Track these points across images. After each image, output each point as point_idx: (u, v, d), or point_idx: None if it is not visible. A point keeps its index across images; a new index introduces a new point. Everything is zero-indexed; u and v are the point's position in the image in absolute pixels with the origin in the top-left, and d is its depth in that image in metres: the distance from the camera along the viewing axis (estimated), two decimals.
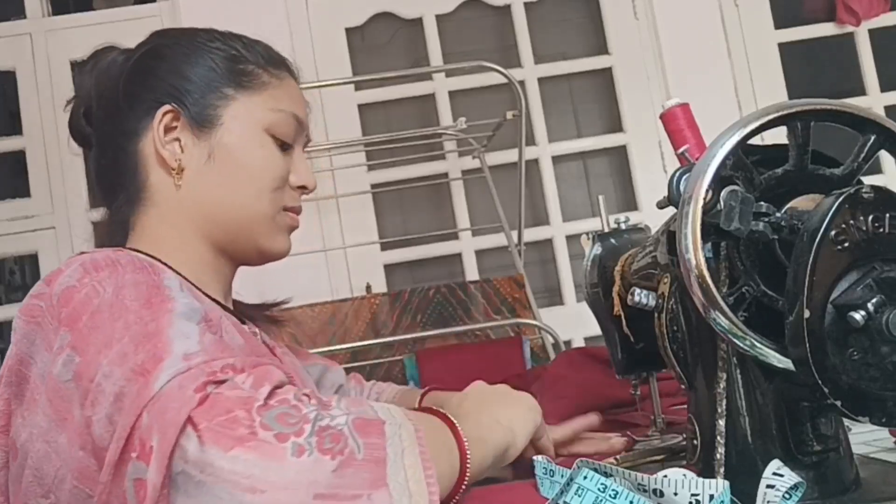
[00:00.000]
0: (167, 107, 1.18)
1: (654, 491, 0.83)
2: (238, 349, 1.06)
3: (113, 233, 1.22)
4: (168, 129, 1.18)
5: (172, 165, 1.17)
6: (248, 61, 1.22)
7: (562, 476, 0.92)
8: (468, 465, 0.95)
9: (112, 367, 0.88)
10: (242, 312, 1.30)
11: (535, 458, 0.99)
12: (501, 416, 1.07)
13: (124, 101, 1.19)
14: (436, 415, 0.99)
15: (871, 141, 0.91)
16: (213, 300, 1.18)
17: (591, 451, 1.25)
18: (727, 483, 0.83)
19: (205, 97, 1.19)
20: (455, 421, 0.98)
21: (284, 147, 1.22)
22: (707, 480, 0.82)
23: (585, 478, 0.85)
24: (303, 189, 1.25)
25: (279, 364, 0.95)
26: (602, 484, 0.84)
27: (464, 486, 0.94)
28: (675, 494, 0.82)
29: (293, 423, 0.81)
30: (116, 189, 1.21)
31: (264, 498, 0.77)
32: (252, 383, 0.84)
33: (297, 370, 1.28)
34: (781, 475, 0.84)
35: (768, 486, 0.84)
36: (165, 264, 1.13)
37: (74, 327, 0.94)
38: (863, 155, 0.92)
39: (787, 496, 0.83)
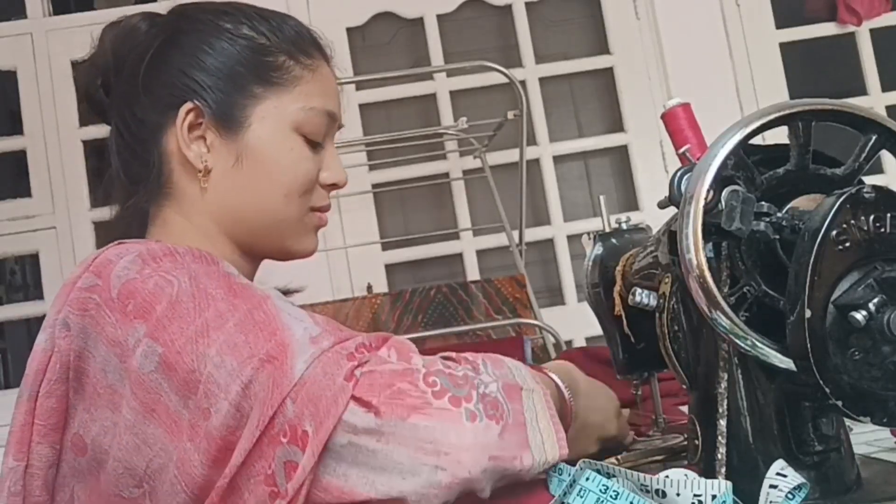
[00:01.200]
0: (190, 104, 1.11)
1: (657, 491, 0.83)
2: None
3: (130, 224, 1.17)
4: (192, 127, 1.11)
5: (198, 167, 1.11)
6: (278, 52, 1.14)
7: (568, 475, 0.92)
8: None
9: (222, 356, 0.89)
10: None
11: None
12: (601, 409, 1.18)
13: (145, 93, 1.12)
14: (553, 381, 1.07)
15: (873, 141, 0.91)
16: None
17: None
18: (730, 484, 0.83)
19: (231, 95, 1.12)
20: (568, 394, 1.08)
21: (315, 145, 1.16)
22: (709, 481, 0.82)
23: (587, 479, 0.85)
24: (333, 186, 1.19)
25: None
26: (604, 485, 0.84)
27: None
28: (678, 495, 0.82)
29: (461, 386, 0.89)
30: (136, 178, 1.15)
31: (448, 459, 0.85)
32: (397, 356, 0.91)
33: None
34: (785, 475, 0.84)
35: (771, 486, 0.84)
36: None
37: (149, 318, 0.92)
38: (864, 155, 0.92)
39: (790, 496, 0.83)
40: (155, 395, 0.91)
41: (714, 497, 0.81)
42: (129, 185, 1.16)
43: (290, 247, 1.19)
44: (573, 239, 3.41)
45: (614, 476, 0.87)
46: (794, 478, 0.84)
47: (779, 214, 0.87)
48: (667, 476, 0.84)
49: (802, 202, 0.89)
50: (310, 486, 0.86)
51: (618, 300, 1.26)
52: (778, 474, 0.85)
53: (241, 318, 0.91)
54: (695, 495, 0.81)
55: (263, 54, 1.13)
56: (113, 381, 0.94)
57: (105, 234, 1.21)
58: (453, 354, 0.96)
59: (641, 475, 0.85)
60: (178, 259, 0.97)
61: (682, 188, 0.92)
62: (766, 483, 0.84)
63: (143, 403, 0.92)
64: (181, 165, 1.13)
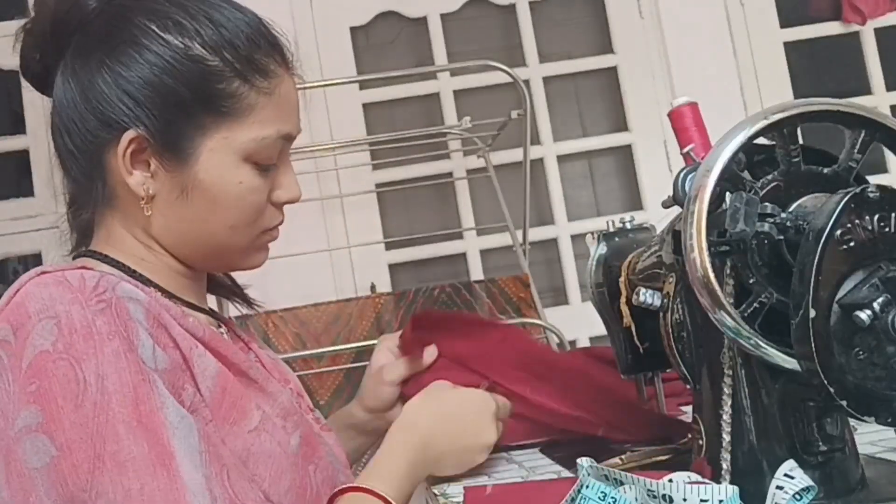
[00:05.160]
0: (132, 133, 1.03)
1: (664, 496, 0.83)
2: (213, 384, 1.01)
3: (79, 222, 1.16)
4: (135, 153, 1.04)
5: (141, 195, 1.05)
6: (232, 77, 1.05)
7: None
8: None
9: (116, 495, 0.86)
10: (216, 292, 1.28)
11: (579, 461, 0.97)
12: (442, 459, 1.17)
13: (88, 109, 1.05)
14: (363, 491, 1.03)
15: (877, 139, 0.91)
16: (187, 303, 1.12)
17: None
18: (736, 489, 0.83)
19: (177, 126, 1.04)
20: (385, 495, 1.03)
21: (267, 168, 1.10)
22: (716, 486, 0.82)
23: (588, 487, 0.85)
24: (288, 202, 1.14)
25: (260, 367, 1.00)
26: (602, 492, 0.84)
27: None
28: (685, 500, 0.82)
29: None
30: (77, 180, 1.11)
31: None
32: None
33: (276, 364, 1.25)
34: (792, 477, 0.84)
35: (778, 487, 0.84)
36: (134, 271, 1.08)
37: (48, 409, 0.88)
38: (856, 151, 0.92)
39: (797, 497, 0.83)
40: (26, 493, 0.88)
41: (721, 502, 0.81)
42: (72, 188, 1.13)
43: (236, 265, 1.18)
44: (577, 238, 3.41)
45: (623, 483, 0.87)
46: (802, 480, 0.84)
47: (783, 215, 0.87)
48: (670, 480, 0.84)
49: (807, 202, 0.89)
50: None
51: (622, 300, 1.25)
52: (786, 475, 0.85)
53: (141, 461, 0.87)
54: (701, 500, 0.81)
55: (215, 81, 1.05)
56: None
57: (71, 220, 1.17)
58: None
59: (648, 480, 0.85)
60: (93, 338, 0.91)
61: (687, 188, 0.92)
62: (772, 483, 0.84)
63: (12, 495, 0.88)
64: (123, 184, 1.06)
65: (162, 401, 0.92)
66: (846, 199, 0.79)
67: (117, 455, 0.87)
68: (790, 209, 0.89)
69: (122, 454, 0.87)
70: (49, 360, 0.89)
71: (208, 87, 1.05)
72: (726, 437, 0.92)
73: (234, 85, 1.06)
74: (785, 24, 3.53)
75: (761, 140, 0.89)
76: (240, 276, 1.30)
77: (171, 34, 1.05)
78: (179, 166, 1.05)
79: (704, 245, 0.86)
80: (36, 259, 3.36)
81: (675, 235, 0.97)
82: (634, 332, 1.26)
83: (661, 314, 1.04)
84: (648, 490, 0.84)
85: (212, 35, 1.06)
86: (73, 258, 1.16)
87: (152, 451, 0.88)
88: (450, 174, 3.39)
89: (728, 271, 0.89)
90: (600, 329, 1.39)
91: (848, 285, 0.78)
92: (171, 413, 0.92)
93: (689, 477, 0.87)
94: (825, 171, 0.91)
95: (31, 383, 0.89)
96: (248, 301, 1.32)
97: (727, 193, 0.87)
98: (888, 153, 0.91)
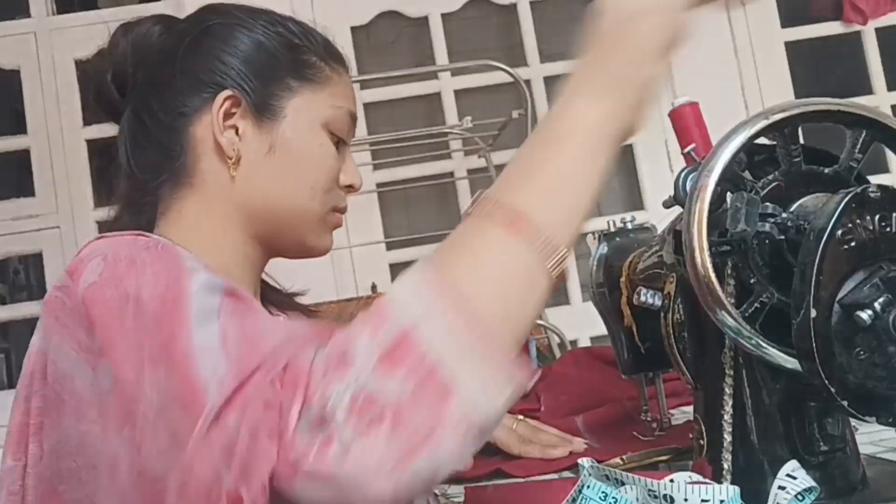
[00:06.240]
0: (228, 92, 1.11)
1: (665, 496, 0.83)
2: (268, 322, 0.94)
3: (140, 211, 1.16)
4: (227, 115, 1.12)
5: (230, 154, 1.11)
6: (311, 52, 1.17)
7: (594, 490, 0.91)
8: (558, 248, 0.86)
9: (152, 390, 0.85)
10: (270, 301, 1.27)
11: (580, 461, 0.97)
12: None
13: (181, 78, 1.13)
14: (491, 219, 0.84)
15: (878, 139, 0.91)
16: None
17: (536, 455, 1.31)
18: (737, 489, 0.83)
19: (268, 86, 1.13)
20: (525, 213, 0.83)
21: (338, 145, 1.17)
22: (717, 486, 0.82)
23: (589, 487, 0.85)
24: (349, 188, 1.21)
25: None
26: (603, 492, 0.84)
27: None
28: (686, 500, 0.82)
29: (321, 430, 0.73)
30: (156, 167, 1.14)
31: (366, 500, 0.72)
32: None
33: None
34: (795, 477, 0.84)
35: (780, 488, 0.84)
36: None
37: (103, 333, 0.89)
38: (857, 151, 0.92)
39: (799, 498, 0.83)
40: (108, 417, 0.89)
41: (722, 502, 0.81)
42: (141, 175, 1.15)
43: (308, 241, 1.19)
44: (578, 238, 3.40)
45: (625, 483, 0.87)
46: (804, 480, 0.84)
47: (784, 215, 0.87)
48: (671, 480, 0.84)
49: (808, 202, 0.89)
50: None
51: (623, 300, 1.26)
52: (788, 476, 0.85)
53: (158, 343, 0.86)
54: (703, 500, 0.81)
55: (298, 52, 1.16)
56: (80, 388, 0.91)
57: (109, 230, 1.18)
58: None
59: (649, 480, 0.85)
60: (136, 265, 0.92)
61: (688, 187, 0.92)
62: (775, 484, 0.84)
63: (101, 421, 0.89)
64: (209, 153, 1.12)
65: (191, 274, 0.90)
66: (847, 198, 0.79)
67: (152, 355, 0.87)
68: (791, 209, 0.89)
69: (156, 353, 0.87)
70: (97, 288, 0.92)
71: (293, 55, 1.15)
72: (727, 438, 0.92)
73: (312, 58, 1.16)
74: (786, 23, 3.53)
75: (762, 140, 0.90)
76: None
77: (256, 17, 1.17)
78: (268, 124, 1.13)
79: (705, 245, 0.86)
80: (36, 259, 3.37)
81: (676, 235, 0.97)
82: (635, 332, 1.26)
83: (662, 314, 1.04)
84: (649, 490, 0.84)
85: (292, 24, 1.18)
86: None
87: (170, 341, 0.86)
88: (451, 174, 3.39)
89: (729, 271, 0.89)
90: (601, 329, 1.39)
91: (849, 285, 0.78)
92: (195, 308, 0.89)
93: (690, 477, 0.87)
94: (826, 170, 0.91)
95: (89, 314, 0.91)
96: (306, 310, 1.32)
97: (728, 193, 0.87)
98: (889, 153, 0.91)
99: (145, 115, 1.15)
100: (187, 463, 0.80)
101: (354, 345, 0.75)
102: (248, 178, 1.12)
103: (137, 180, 1.16)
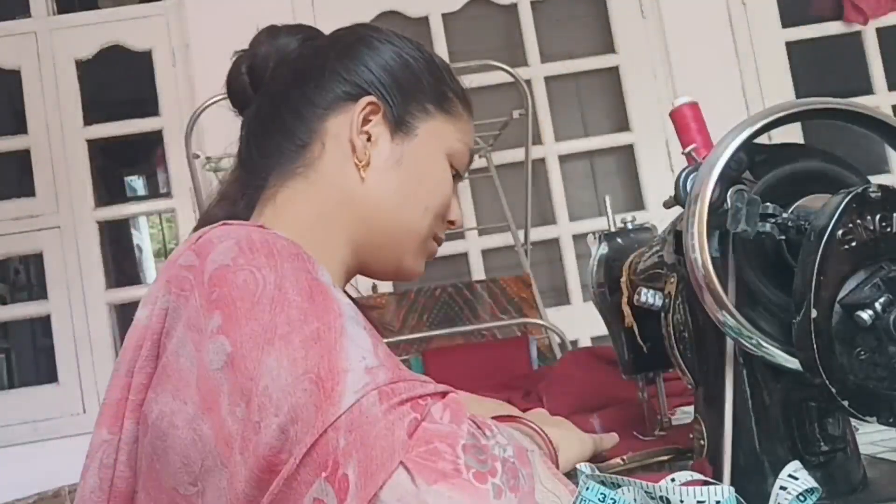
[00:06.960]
0: (372, 98, 1.16)
1: (661, 498, 0.83)
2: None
3: (243, 194, 1.19)
4: (365, 120, 1.15)
5: (360, 157, 1.14)
6: (449, 87, 1.23)
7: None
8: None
9: (280, 370, 0.86)
10: None
11: (579, 466, 0.98)
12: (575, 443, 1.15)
13: (329, 75, 1.17)
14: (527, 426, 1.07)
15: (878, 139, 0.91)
16: None
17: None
18: (733, 489, 0.82)
19: (408, 104, 1.18)
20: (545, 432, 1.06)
21: (454, 178, 1.22)
22: (713, 487, 0.82)
23: (588, 489, 0.85)
24: (451, 223, 1.25)
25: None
26: (601, 493, 0.84)
27: None
28: (681, 501, 0.81)
29: (485, 461, 0.84)
30: (276, 151, 1.17)
31: None
32: (450, 418, 0.86)
33: None
34: (796, 478, 0.84)
35: (781, 488, 0.84)
36: None
37: (227, 312, 0.90)
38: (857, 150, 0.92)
39: (801, 498, 0.83)
40: (214, 395, 0.89)
41: (718, 502, 0.81)
42: (259, 159, 1.18)
43: (405, 262, 1.22)
44: (579, 238, 3.41)
45: (620, 486, 0.87)
46: (806, 481, 0.84)
47: (784, 215, 0.87)
48: (672, 479, 0.84)
49: (809, 202, 0.89)
50: None
51: (623, 300, 1.26)
52: (790, 476, 0.85)
53: (307, 331, 0.89)
54: (698, 501, 0.81)
55: (440, 82, 1.22)
56: (184, 365, 0.92)
57: (205, 214, 1.20)
58: (479, 420, 0.91)
59: (645, 483, 0.85)
60: (274, 256, 0.94)
61: (688, 187, 0.92)
62: (776, 484, 0.84)
63: (203, 399, 0.89)
64: (337, 149, 1.15)
65: (337, 298, 0.94)
66: (847, 198, 0.79)
67: (288, 335, 0.88)
68: (791, 209, 0.89)
69: (291, 327, 0.88)
70: (229, 271, 0.93)
71: (436, 83, 1.21)
72: (728, 438, 0.91)
73: (450, 93, 1.23)
74: (787, 23, 3.53)
75: (762, 140, 0.89)
76: None
77: (407, 43, 1.23)
78: (400, 137, 1.17)
79: (706, 245, 0.86)
80: (37, 259, 3.37)
81: (677, 235, 0.97)
82: (636, 332, 1.26)
83: (663, 314, 1.04)
84: (646, 492, 0.84)
85: (437, 59, 1.25)
86: None
87: (321, 328, 0.89)
88: None
89: (729, 271, 0.89)
90: (602, 329, 1.39)
91: (849, 285, 0.78)
92: (346, 307, 0.94)
93: (691, 476, 0.87)
94: (826, 170, 0.91)
95: (212, 292, 0.92)
96: (368, 308, 1.35)
97: (728, 193, 0.87)
98: (890, 152, 0.90)
99: (281, 102, 1.19)
100: (308, 440, 0.83)
101: (493, 425, 0.90)
102: (371, 183, 1.15)
103: (251, 165, 1.19)
